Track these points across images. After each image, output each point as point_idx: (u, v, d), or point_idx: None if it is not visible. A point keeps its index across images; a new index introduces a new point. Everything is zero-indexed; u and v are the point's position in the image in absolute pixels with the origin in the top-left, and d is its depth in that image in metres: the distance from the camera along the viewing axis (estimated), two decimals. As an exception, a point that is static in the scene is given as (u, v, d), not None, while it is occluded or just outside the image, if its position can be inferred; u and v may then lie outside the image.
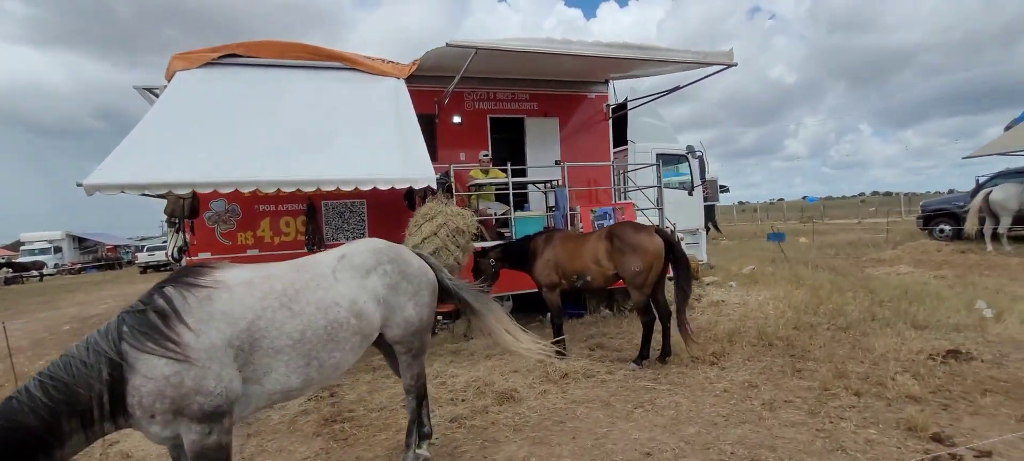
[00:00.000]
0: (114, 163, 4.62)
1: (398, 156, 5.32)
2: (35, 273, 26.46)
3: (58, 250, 31.42)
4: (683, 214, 9.92)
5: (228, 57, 6.93)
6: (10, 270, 25.69)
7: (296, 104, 6.29)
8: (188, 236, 6.77)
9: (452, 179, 6.76)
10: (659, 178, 7.86)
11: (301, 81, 6.83)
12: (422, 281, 2.92)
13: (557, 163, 8.72)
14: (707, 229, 20.37)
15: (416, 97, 7.93)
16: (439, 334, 6.72)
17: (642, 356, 5.03)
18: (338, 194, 6.53)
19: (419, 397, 3.09)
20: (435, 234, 4.94)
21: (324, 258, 2.70)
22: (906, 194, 35.86)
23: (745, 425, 3.51)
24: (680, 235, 9.61)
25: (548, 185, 7.70)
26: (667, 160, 10.10)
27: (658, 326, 5.19)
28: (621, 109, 9.61)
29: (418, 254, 3.20)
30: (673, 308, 5.07)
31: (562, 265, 5.35)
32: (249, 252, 7.17)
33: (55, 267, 29.84)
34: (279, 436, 4.01)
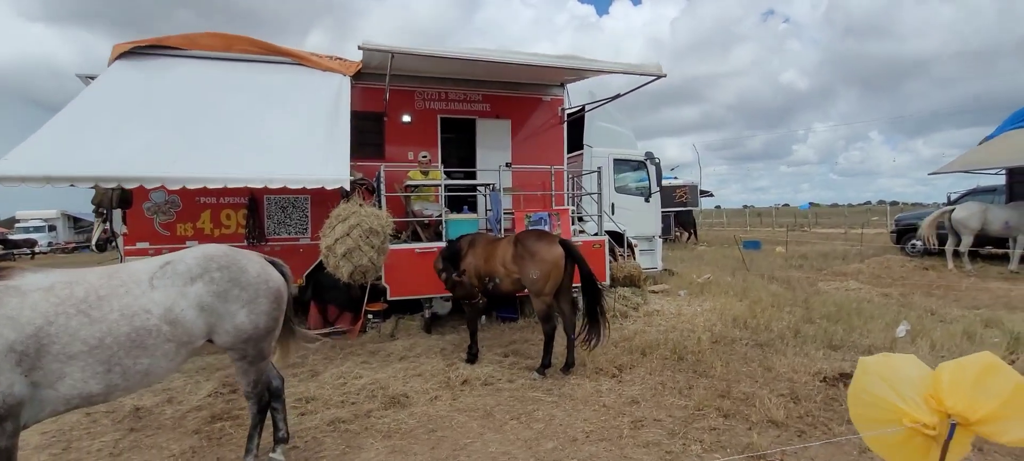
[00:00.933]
0: (23, 153, 4.68)
1: (319, 156, 5.35)
2: (27, 251, 26.67)
3: (53, 229, 31.64)
4: (639, 221, 9.94)
5: (170, 49, 6.98)
6: (1, 247, 25.90)
7: (229, 98, 6.32)
8: (121, 226, 6.81)
9: (382, 180, 6.77)
10: (599, 184, 7.85)
11: (241, 75, 6.87)
12: (260, 289, 2.96)
13: (507, 165, 8.74)
14: (685, 234, 20.41)
15: (368, 94, 7.99)
16: (369, 332, 6.78)
17: (544, 365, 5.05)
18: (283, 190, 6.62)
19: (260, 404, 3.13)
20: (347, 235, 4.97)
21: (143, 265, 2.73)
22: (913, 204, 35.57)
23: (602, 443, 3.53)
24: (634, 241, 9.66)
25: (487, 189, 7.70)
26: (625, 166, 10.10)
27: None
28: (578, 114, 9.61)
29: (273, 263, 3.23)
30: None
31: (478, 267, 5.38)
32: (188, 243, 7.22)
33: (49, 246, 30.07)
34: (162, 431, 4.06)
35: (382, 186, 6.67)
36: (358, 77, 7.72)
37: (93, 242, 7.22)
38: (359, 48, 5.71)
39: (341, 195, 5.81)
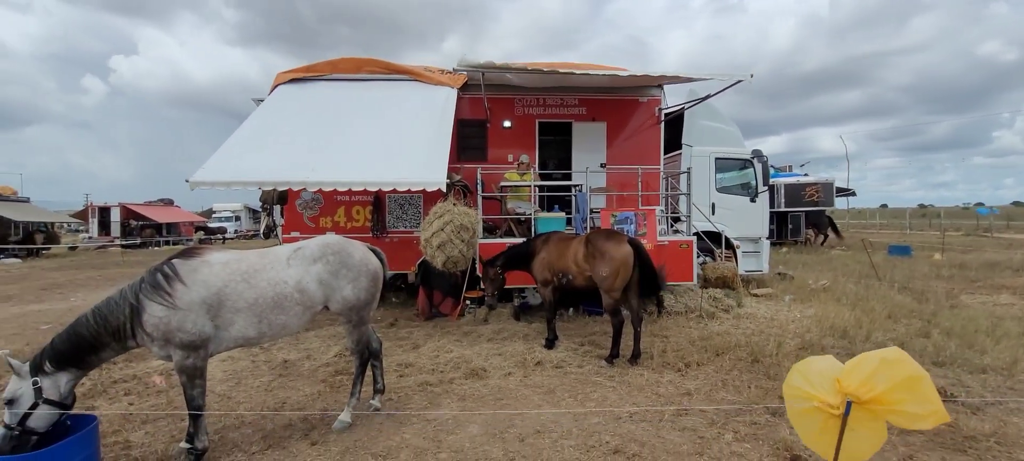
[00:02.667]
0: (214, 163, 6.27)
1: (420, 161, 6.29)
2: (220, 236, 33.11)
3: (238, 219, 38.69)
4: (744, 221, 9.61)
5: (317, 74, 8.54)
6: (203, 233, 32.51)
7: (358, 113, 7.60)
8: (280, 219, 8.54)
9: (479, 181, 7.57)
10: (689, 184, 7.85)
11: (368, 92, 8.17)
12: (362, 270, 3.84)
13: (602, 166, 9.10)
14: (820, 236, 18.53)
15: (474, 103, 8.93)
16: (466, 316, 7.66)
17: (612, 355, 5.42)
18: (393, 191, 7.84)
19: (361, 359, 4.04)
20: (442, 230, 5.84)
21: (284, 249, 3.74)
22: None
23: (643, 424, 3.87)
24: (736, 242, 9.41)
25: (575, 190, 8.13)
26: (729, 165, 9.82)
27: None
28: (677, 113, 9.58)
29: (373, 251, 4.13)
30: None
31: (552, 264, 5.91)
32: (328, 233, 8.78)
33: (235, 233, 36.88)
34: (301, 378, 5.26)
35: (479, 186, 7.47)
36: (465, 88, 8.68)
37: (261, 231, 9.10)
38: (455, 67, 6.53)
39: (440, 195, 6.73)
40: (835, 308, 7.56)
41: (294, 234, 8.69)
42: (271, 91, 8.47)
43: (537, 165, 9.01)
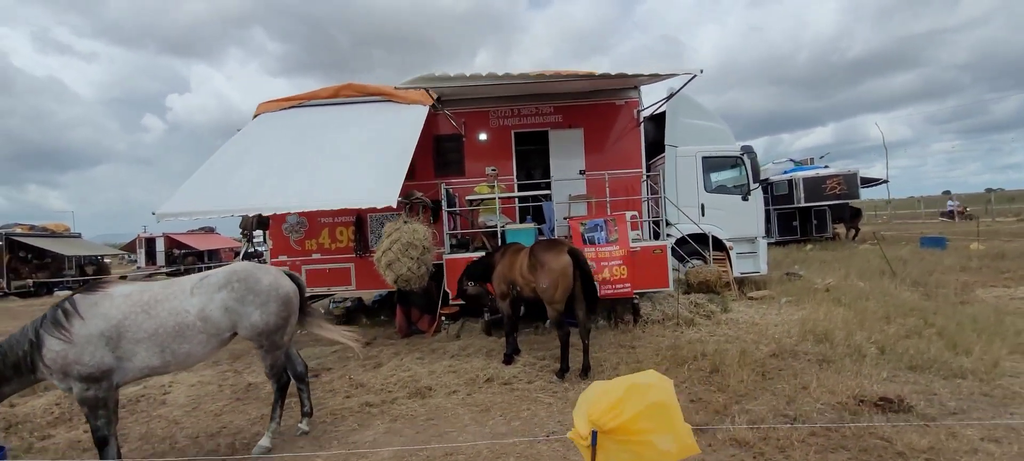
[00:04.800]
0: (180, 195, 6.51)
1: (371, 181, 6.28)
2: (256, 260, 34.58)
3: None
4: (737, 221, 9.21)
5: (296, 103, 8.79)
6: (239, 257, 34.02)
7: (328, 137, 7.73)
8: (266, 243, 8.80)
9: (444, 195, 7.54)
10: (662, 185, 7.58)
11: (341, 116, 8.32)
12: (271, 295, 3.88)
13: (581, 173, 8.93)
14: (851, 231, 17.48)
15: (446, 119, 8.97)
16: (441, 333, 7.63)
17: (562, 369, 5.25)
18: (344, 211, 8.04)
19: (279, 383, 4.06)
20: (389, 248, 5.86)
21: (190, 279, 3.82)
22: None
23: (558, 443, 3.71)
24: (729, 243, 9.02)
25: (541, 199, 7.99)
26: (719, 163, 9.44)
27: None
28: (659, 114, 9.31)
29: (290, 275, 4.17)
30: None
31: (505, 276, 5.81)
32: (313, 255, 8.97)
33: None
34: (257, 402, 5.35)
35: (444, 201, 7.46)
36: (441, 104, 8.73)
37: (241, 256, 9.39)
38: (396, 88, 6.57)
39: (404, 211, 6.75)
40: (829, 309, 7.09)
41: (281, 257, 8.94)
42: (253, 118, 8.78)
43: (515, 176, 8.93)
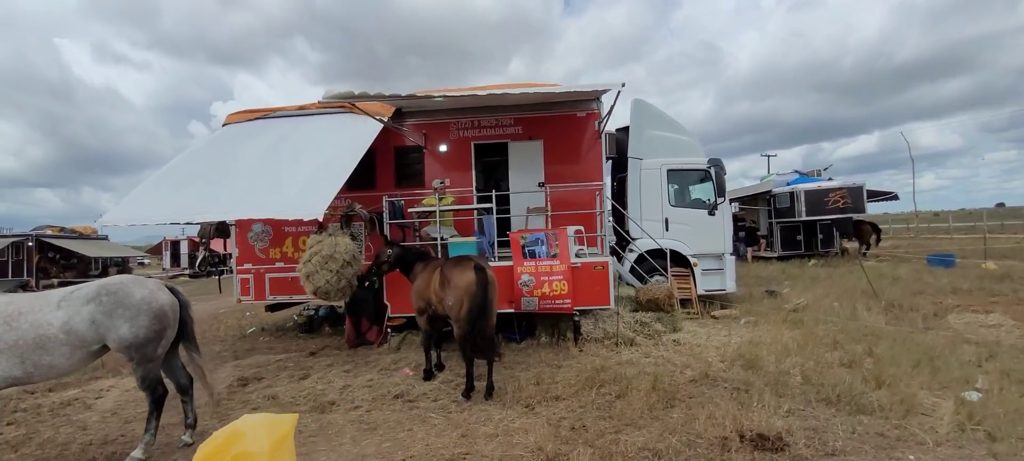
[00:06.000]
0: (123, 206, 6.73)
1: (303, 191, 6.31)
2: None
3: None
4: (703, 236, 8.90)
5: (261, 115, 8.99)
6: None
7: (277, 149, 7.82)
8: (233, 250, 9.01)
9: (384, 208, 7.55)
10: (599, 200, 7.39)
11: (297, 129, 8.43)
12: (141, 309, 3.94)
13: (540, 185, 8.81)
14: (864, 245, 16.63)
15: (412, 130, 9.02)
16: (384, 346, 7.62)
17: (468, 389, 5.15)
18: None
19: (153, 395, 4.11)
20: (309, 261, 5.89)
21: (58, 292, 3.92)
22: None
23: (410, 468, 3.63)
24: (694, 260, 8.73)
25: (481, 212, 7.89)
26: (687, 177, 9.17)
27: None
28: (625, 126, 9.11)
29: (171, 289, 4.24)
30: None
31: (422, 291, 5.75)
32: (277, 264, 9.13)
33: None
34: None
35: (385, 214, 7.47)
36: (400, 116, 8.79)
37: (196, 264, 9.64)
38: (319, 101, 6.62)
39: (340, 223, 6.79)
40: (780, 332, 6.76)
41: (247, 265, 9.14)
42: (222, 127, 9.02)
43: (475, 188, 8.88)
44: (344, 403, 5.19)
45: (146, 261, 38.87)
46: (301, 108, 9.01)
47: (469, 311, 5.05)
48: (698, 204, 9.00)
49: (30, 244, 22.65)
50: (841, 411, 4.23)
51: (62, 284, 23.27)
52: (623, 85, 6.24)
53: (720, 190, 8.75)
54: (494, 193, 7.41)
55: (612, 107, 7.99)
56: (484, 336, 5.11)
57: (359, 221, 7.64)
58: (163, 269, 32.47)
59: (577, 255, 7.27)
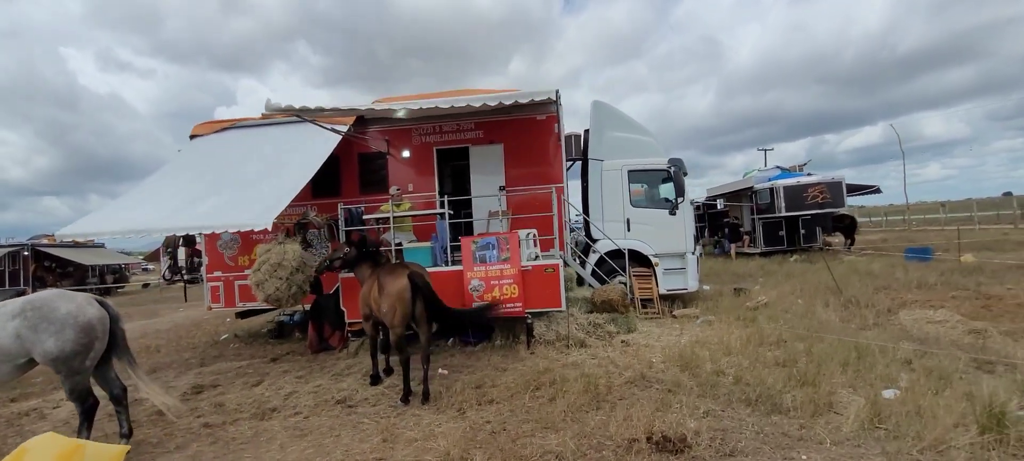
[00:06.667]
0: (88, 218, 6.89)
1: (250, 202, 6.44)
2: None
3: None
4: (664, 236, 8.96)
5: (226, 126, 9.14)
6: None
7: (244, 159, 8.01)
8: (204, 259, 9.16)
9: (340, 215, 7.65)
10: (556, 203, 7.47)
11: (263, 138, 8.59)
12: (67, 323, 4.06)
13: (501, 189, 8.90)
14: (848, 240, 16.58)
15: (375, 137, 9.15)
16: (344, 351, 7.74)
17: (405, 393, 5.24)
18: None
19: (83, 406, 4.24)
20: (258, 269, 6.01)
21: (-12, 308, 4.06)
22: None
23: (320, 474, 3.73)
24: (655, 260, 8.80)
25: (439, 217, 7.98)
26: (648, 177, 9.23)
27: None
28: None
29: (102, 304, 4.36)
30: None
31: (365, 297, 5.85)
32: (246, 271, 9.24)
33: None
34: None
35: (340, 221, 7.58)
36: (363, 123, 8.91)
37: (162, 273, 9.79)
38: (263, 112, 6.73)
39: (295, 231, 6.91)
40: (731, 331, 6.83)
41: (217, 273, 9.28)
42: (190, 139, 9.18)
43: (438, 193, 8.98)
44: (286, 409, 5.30)
45: (149, 267, 39.21)
46: (265, 118, 9.14)
47: (402, 317, 5.15)
48: (660, 204, 9.06)
49: (26, 253, 22.96)
50: (757, 411, 4.30)
51: (58, 293, 23.64)
52: (557, 91, 6.32)
53: (679, 190, 8.80)
54: (445, 198, 7.49)
55: (558, 115, 8.13)
56: (450, 327, 5.17)
57: (316, 228, 7.75)
58: (162, 277, 32.76)
59: (537, 257, 7.36)
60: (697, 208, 21.41)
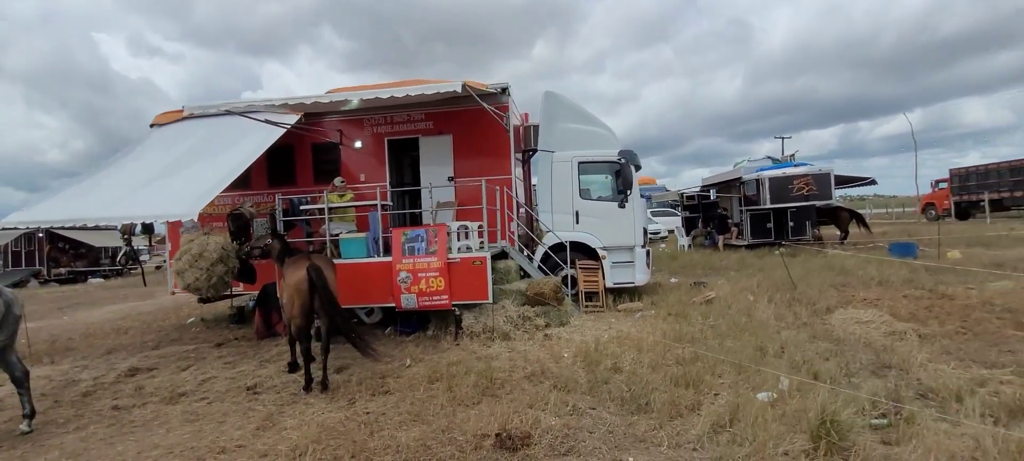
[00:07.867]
0: (35, 208, 7.19)
1: (175, 192, 6.62)
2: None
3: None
4: (613, 229, 8.89)
5: (186, 116, 9.34)
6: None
7: (183, 152, 8.16)
8: (166, 245, 9.47)
9: (278, 205, 7.81)
10: (482, 194, 7.47)
11: (209, 130, 8.74)
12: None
13: (450, 180, 8.94)
14: (843, 234, 16.11)
15: (328, 127, 9.27)
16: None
17: (307, 382, 5.39)
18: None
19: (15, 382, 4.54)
20: (180, 259, 6.22)
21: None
22: None
23: (189, 450, 3.90)
24: (603, 253, 8.76)
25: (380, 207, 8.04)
26: (594, 169, 9.12)
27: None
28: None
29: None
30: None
31: (281, 289, 6.01)
32: (206, 257, 9.55)
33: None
34: (67, 407, 5.89)
35: (278, 211, 7.75)
36: (317, 116, 9.03)
37: (118, 259, 10.13)
38: (185, 112, 6.86)
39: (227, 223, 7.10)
40: (656, 326, 6.79)
41: (179, 259, 9.60)
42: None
43: (388, 183, 9.09)
44: (196, 395, 5.51)
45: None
46: (227, 112, 9.32)
47: (300, 308, 5.28)
48: (609, 197, 8.97)
49: (41, 235, 23.99)
50: (624, 411, 4.30)
51: (71, 273, 24.65)
52: (508, 84, 6.34)
53: (626, 183, 8.69)
54: (379, 188, 7.57)
55: (509, 106, 8.09)
56: (338, 327, 5.31)
57: (263, 217, 7.93)
58: (118, 262, 33.71)
59: (479, 248, 7.41)
60: (691, 199, 21.12)
